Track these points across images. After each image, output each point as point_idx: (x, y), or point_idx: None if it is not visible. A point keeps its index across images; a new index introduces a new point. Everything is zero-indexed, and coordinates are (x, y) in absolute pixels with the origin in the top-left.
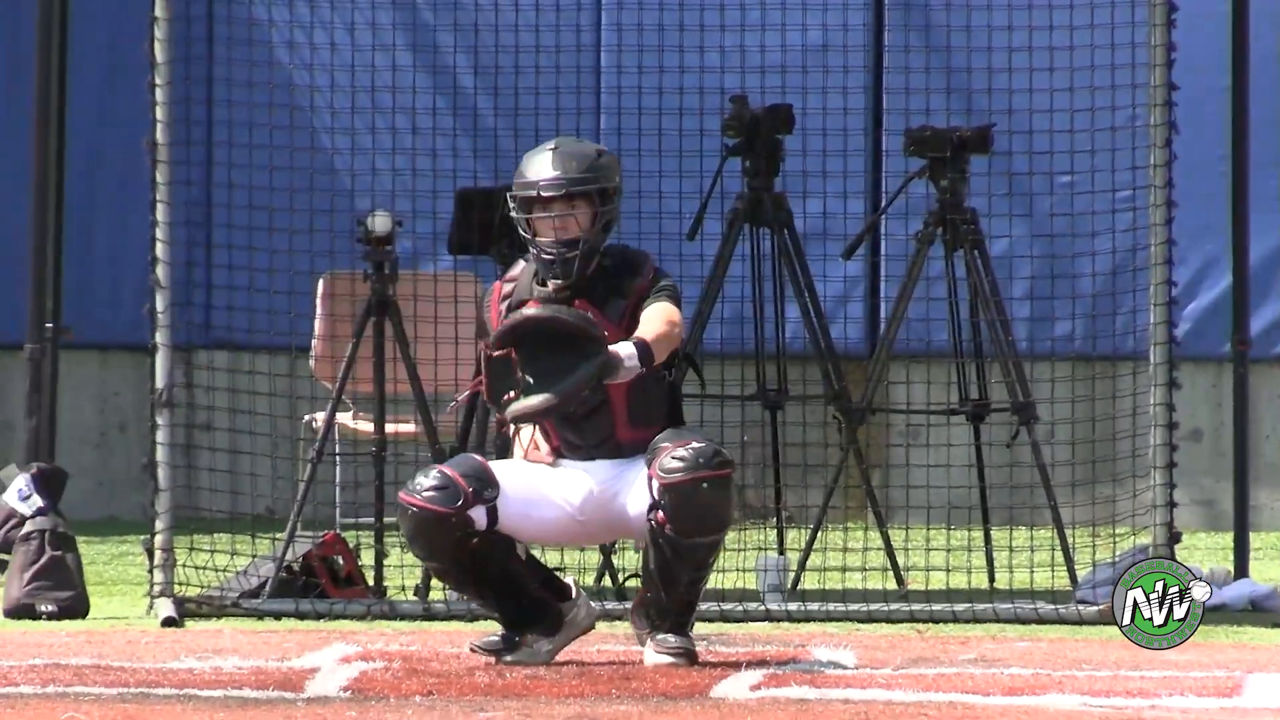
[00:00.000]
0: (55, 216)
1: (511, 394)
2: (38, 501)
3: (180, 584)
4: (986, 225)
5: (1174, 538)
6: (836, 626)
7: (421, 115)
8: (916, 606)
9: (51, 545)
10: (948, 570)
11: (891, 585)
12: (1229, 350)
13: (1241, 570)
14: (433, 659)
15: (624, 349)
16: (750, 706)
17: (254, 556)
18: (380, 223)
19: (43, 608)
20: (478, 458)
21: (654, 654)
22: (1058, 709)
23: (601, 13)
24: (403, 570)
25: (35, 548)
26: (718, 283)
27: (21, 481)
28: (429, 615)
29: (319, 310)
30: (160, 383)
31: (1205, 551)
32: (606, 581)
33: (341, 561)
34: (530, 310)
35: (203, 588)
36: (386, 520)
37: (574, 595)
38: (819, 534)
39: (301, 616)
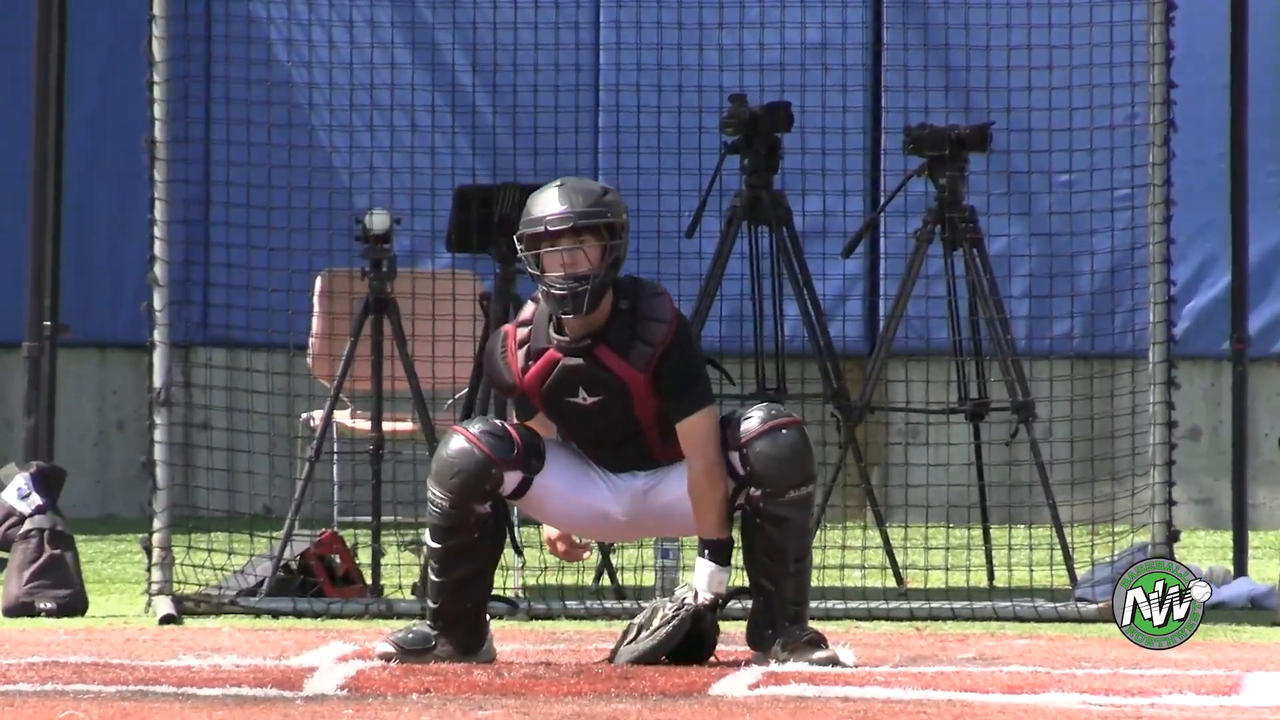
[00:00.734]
0: (54, 215)
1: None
2: (36, 500)
3: (178, 582)
4: (985, 224)
5: (1173, 536)
6: (836, 624)
7: (420, 113)
8: (916, 605)
9: (50, 543)
10: (947, 569)
11: (891, 583)
12: (1228, 349)
13: (1240, 569)
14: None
15: (709, 579)
16: (749, 704)
17: (252, 555)
18: (378, 221)
19: (41, 605)
20: (537, 430)
21: (793, 664)
22: (1057, 707)
23: (600, 11)
24: (400, 569)
25: (34, 546)
26: (716, 281)
27: (20, 480)
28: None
29: (317, 308)
30: (159, 381)
31: (1204, 550)
32: (605, 581)
33: (339, 560)
34: (644, 645)
35: (201, 586)
36: (384, 519)
37: (490, 632)
38: (818, 532)
39: (299, 615)
